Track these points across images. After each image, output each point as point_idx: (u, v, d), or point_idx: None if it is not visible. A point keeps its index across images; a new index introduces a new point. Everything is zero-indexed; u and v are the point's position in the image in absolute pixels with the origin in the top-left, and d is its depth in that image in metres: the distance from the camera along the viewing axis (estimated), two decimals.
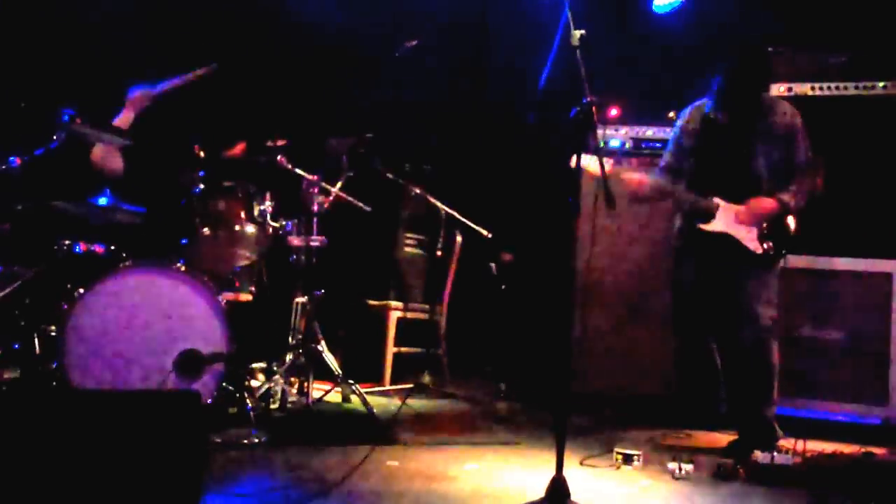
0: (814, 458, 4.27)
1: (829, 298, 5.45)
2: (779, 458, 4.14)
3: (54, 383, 4.28)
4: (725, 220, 4.81)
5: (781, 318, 5.26)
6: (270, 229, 5.15)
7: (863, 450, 4.56)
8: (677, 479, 4.11)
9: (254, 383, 5.21)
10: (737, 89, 4.83)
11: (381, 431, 4.63)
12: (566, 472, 3.41)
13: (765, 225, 4.80)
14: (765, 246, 4.79)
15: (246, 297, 5.35)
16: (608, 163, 4.69)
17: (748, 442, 4.66)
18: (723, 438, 4.98)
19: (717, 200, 4.81)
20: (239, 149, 5.42)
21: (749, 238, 4.79)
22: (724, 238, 4.81)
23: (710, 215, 4.82)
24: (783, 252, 4.89)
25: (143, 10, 6.55)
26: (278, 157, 5.33)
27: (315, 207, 5.34)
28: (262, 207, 5.09)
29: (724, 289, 4.87)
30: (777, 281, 4.93)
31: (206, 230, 4.93)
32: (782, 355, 5.25)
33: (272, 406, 5.01)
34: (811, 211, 5.02)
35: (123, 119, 5.20)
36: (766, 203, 4.79)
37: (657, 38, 6.59)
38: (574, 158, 4.03)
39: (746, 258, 4.80)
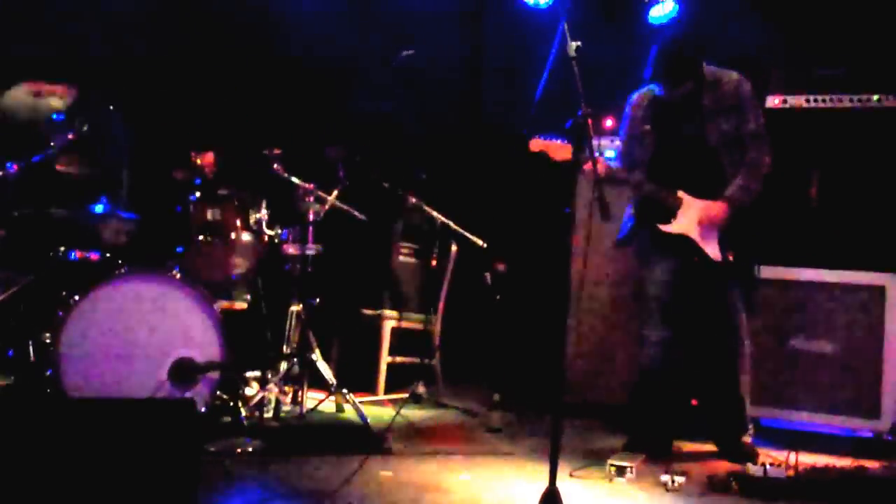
0: (806, 471, 4.27)
1: (822, 310, 5.45)
2: (771, 472, 4.14)
3: (48, 391, 4.28)
4: (687, 219, 4.66)
5: (773, 329, 5.27)
6: (266, 237, 5.16)
7: (855, 463, 4.57)
8: (670, 491, 4.12)
9: (248, 392, 5.21)
10: (673, 63, 4.68)
11: (374, 441, 4.62)
12: (559, 484, 3.42)
13: (720, 231, 4.66)
14: (727, 256, 4.66)
15: (241, 305, 5.35)
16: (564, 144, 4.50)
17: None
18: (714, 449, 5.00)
19: (681, 194, 4.67)
20: (209, 158, 5.40)
21: (710, 243, 4.65)
22: (686, 245, 4.67)
23: (671, 212, 4.67)
24: (748, 263, 4.82)
25: (143, 19, 6.58)
26: (274, 165, 5.34)
27: (311, 216, 5.34)
28: (257, 215, 5.12)
29: (698, 296, 4.75)
30: (751, 293, 4.87)
31: (201, 238, 4.94)
32: (775, 367, 5.28)
33: (266, 415, 5.01)
34: (805, 222, 5.03)
35: None
36: (716, 209, 4.64)
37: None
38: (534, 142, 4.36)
39: (713, 269, 4.68)
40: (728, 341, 4.81)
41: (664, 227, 4.70)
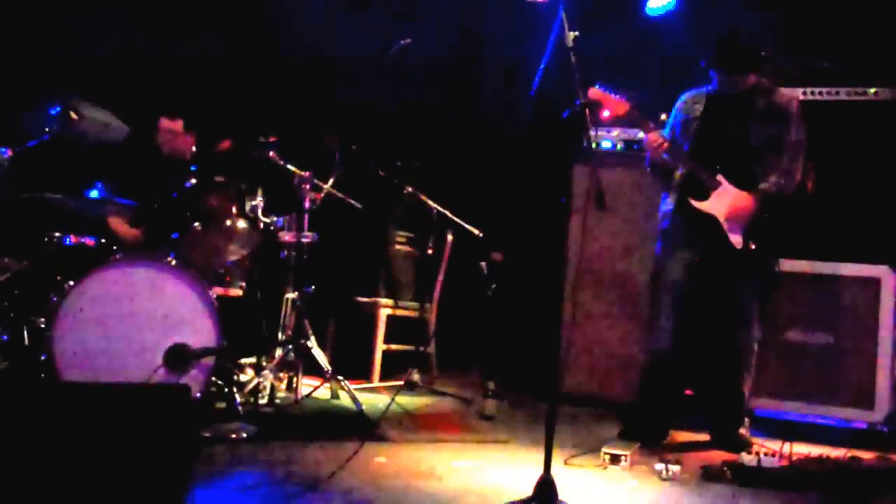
0: (800, 461, 4.28)
1: (818, 302, 5.45)
2: (765, 461, 4.15)
3: (43, 376, 4.27)
4: (718, 203, 4.75)
5: (768, 320, 5.27)
6: (262, 225, 5.15)
7: (849, 454, 4.58)
8: (664, 480, 4.13)
9: (242, 378, 5.21)
10: (734, 51, 4.80)
11: (369, 428, 4.62)
12: (554, 471, 3.43)
13: (750, 221, 4.76)
14: (750, 245, 4.75)
15: (236, 292, 5.35)
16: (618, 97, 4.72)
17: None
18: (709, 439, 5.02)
19: (720, 178, 4.76)
20: (225, 145, 5.41)
21: (733, 229, 4.74)
22: (712, 227, 4.75)
23: (706, 192, 4.77)
24: (769, 255, 4.87)
25: (139, 8, 6.55)
26: (270, 153, 5.33)
27: (307, 204, 5.34)
28: (253, 203, 5.10)
29: (715, 292, 4.84)
30: (769, 293, 4.95)
31: (197, 225, 4.92)
32: (770, 358, 5.29)
33: (260, 401, 5.01)
34: (801, 214, 5.03)
35: None
36: (747, 201, 4.74)
37: (650, 40, 6.60)
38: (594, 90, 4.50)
39: (735, 259, 4.76)
40: (737, 336, 4.87)
41: (696, 203, 4.79)
